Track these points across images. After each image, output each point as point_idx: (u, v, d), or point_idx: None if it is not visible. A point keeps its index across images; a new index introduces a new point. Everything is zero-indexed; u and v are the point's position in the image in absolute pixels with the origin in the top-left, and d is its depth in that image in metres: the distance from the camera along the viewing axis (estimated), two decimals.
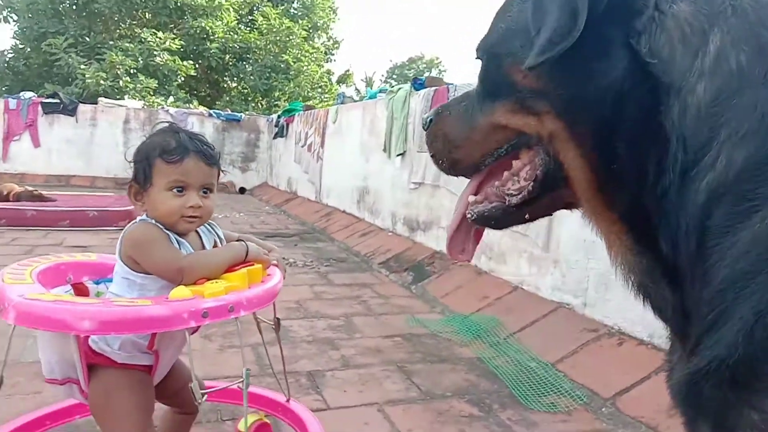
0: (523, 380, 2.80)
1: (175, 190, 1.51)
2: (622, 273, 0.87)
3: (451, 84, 5.47)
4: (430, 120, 1.03)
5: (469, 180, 1.03)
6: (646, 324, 2.88)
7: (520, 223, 0.97)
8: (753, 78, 0.71)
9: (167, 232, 1.51)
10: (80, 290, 1.71)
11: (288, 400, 2.05)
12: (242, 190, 12.66)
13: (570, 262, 3.52)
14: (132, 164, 1.55)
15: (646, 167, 0.78)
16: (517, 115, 0.89)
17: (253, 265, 1.56)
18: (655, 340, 2.81)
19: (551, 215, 0.98)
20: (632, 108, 0.78)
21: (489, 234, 1.09)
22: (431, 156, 1.04)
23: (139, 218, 1.56)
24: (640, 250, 0.83)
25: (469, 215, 0.99)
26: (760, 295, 0.64)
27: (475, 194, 0.99)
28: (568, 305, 3.49)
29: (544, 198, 0.92)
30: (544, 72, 0.84)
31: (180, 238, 1.54)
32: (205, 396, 1.41)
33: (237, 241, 1.68)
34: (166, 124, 1.63)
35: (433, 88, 5.57)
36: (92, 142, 11.93)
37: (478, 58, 0.95)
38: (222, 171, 1.66)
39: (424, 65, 40.66)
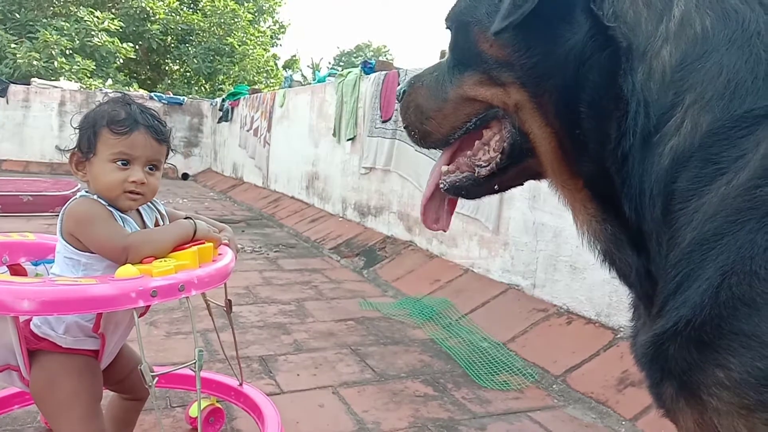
0: (476, 360, 2.84)
1: (119, 163, 1.44)
2: (588, 241, 0.87)
3: (401, 68, 5.45)
4: (404, 91, 1.02)
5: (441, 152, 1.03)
6: (594, 303, 2.96)
7: (490, 194, 0.97)
8: (718, 42, 0.71)
9: (110, 208, 1.44)
10: (17, 272, 1.61)
11: (241, 384, 2.00)
12: (185, 176, 12.30)
13: (519, 244, 3.58)
14: (77, 131, 1.47)
15: (607, 132, 0.79)
16: (485, 87, 0.89)
17: (203, 243, 1.50)
18: (602, 318, 2.90)
19: (522, 184, 0.98)
20: (594, 73, 0.79)
21: None
22: (405, 127, 1.02)
23: (79, 194, 1.48)
24: (605, 217, 0.84)
25: (441, 185, 0.99)
26: (726, 257, 0.64)
27: (448, 164, 0.98)
28: (517, 286, 3.55)
29: (512, 169, 0.93)
30: (509, 40, 0.84)
31: (124, 215, 1.47)
32: (156, 378, 1.35)
33: (185, 219, 1.61)
34: (120, 95, 1.54)
35: (383, 72, 5.53)
36: (25, 125, 11.30)
37: (447, 28, 0.94)
38: (172, 149, 1.60)
39: (372, 53, 40.49)
